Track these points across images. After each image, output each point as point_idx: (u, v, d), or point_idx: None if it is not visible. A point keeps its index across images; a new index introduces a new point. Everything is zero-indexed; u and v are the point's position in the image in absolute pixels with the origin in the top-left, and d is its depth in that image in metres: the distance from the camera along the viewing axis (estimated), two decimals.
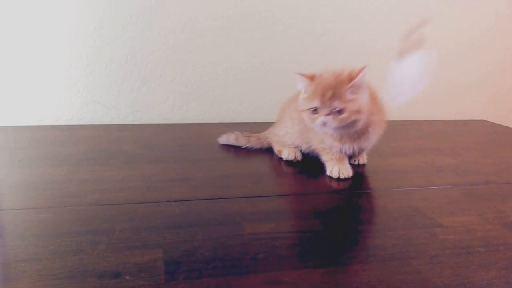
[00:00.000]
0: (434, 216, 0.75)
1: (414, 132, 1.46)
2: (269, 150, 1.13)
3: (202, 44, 1.40)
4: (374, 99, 0.92)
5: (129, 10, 1.33)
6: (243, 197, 0.81)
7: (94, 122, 1.39)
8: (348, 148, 0.93)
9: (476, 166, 1.07)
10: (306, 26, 1.46)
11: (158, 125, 1.42)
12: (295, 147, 1.06)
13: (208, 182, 0.91)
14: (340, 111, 0.84)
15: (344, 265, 0.59)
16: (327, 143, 0.95)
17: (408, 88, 0.83)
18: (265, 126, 1.18)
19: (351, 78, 0.85)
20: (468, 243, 0.66)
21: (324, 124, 0.85)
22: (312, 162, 1.02)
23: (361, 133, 0.91)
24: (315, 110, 0.87)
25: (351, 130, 0.89)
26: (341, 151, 0.95)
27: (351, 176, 0.94)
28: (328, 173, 0.95)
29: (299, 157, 1.05)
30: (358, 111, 0.85)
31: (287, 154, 1.05)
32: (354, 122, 0.86)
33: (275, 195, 0.85)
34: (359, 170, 1.00)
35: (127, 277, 0.54)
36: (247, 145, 1.14)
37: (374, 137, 0.95)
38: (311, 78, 0.88)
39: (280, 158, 1.07)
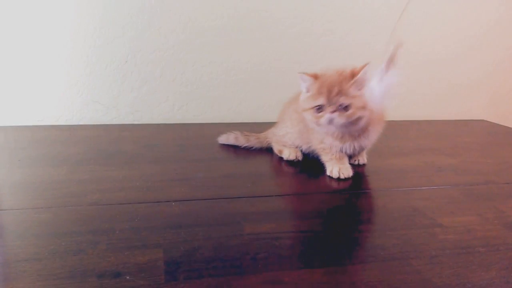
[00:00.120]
0: (434, 216, 0.75)
1: (414, 132, 1.46)
2: (269, 150, 1.13)
3: (202, 44, 1.40)
4: None
5: (129, 10, 1.33)
6: (243, 197, 0.81)
7: (94, 122, 1.39)
8: (348, 147, 0.93)
9: (476, 166, 1.07)
10: (306, 26, 1.46)
11: (158, 125, 1.42)
12: (296, 147, 1.07)
13: (208, 182, 0.91)
14: (346, 108, 0.85)
15: (344, 265, 0.59)
16: (327, 143, 0.95)
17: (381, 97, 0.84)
18: (265, 126, 1.18)
19: (353, 74, 0.86)
20: (468, 243, 0.66)
21: (331, 121, 0.85)
22: (312, 162, 1.02)
23: (362, 132, 0.92)
24: (319, 109, 0.87)
25: (355, 128, 0.90)
26: (341, 150, 0.95)
27: (351, 176, 0.94)
28: (328, 173, 0.95)
29: (300, 157, 1.05)
30: (363, 107, 0.86)
31: (288, 154, 1.05)
32: (358, 119, 0.87)
33: (275, 195, 0.85)
34: (359, 170, 1.00)
35: (127, 277, 0.54)
36: (246, 145, 1.14)
37: (374, 135, 0.95)
38: (315, 76, 0.89)
39: (281, 158, 1.07)
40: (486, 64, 1.68)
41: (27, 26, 1.28)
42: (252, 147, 1.14)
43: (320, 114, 0.87)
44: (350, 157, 1.01)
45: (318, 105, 0.87)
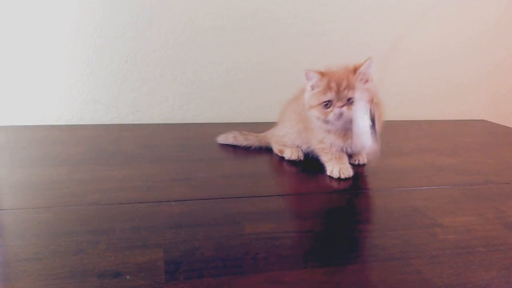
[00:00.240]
0: (434, 216, 0.75)
1: (414, 132, 1.46)
2: (268, 150, 1.13)
3: (203, 44, 1.40)
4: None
5: (129, 10, 1.33)
6: (244, 197, 0.81)
7: (95, 122, 1.39)
8: (351, 144, 0.94)
9: (476, 166, 1.07)
10: (306, 26, 1.47)
11: (159, 125, 1.42)
12: (297, 147, 1.07)
13: (209, 182, 0.91)
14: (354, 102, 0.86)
15: (344, 265, 0.59)
16: (327, 142, 0.95)
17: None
18: (265, 126, 1.18)
19: (356, 68, 0.87)
20: (468, 243, 0.66)
21: (340, 115, 0.86)
22: (312, 162, 1.02)
23: None
24: (327, 105, 0.87)
25: None
26: (342, 149, 0.95)
27: (352, 176, 0.94)
28: (328, 173, 0.95)
29: (301, 157, 1.05)
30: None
31: (290, 153, 1.05)
32: None
33: (276, 195, 0.85)
34: (359, 170, 1.00)
35: (128, 277, 0.54)
36: (245, 144, 1.14)
37: None
38: (321, 73, 0.89)
39: (281, 158, 1.07)
40: (486, 64, 1.68)
41: (27, 26, 1.28)
42: (251, 147, 1.14)
43: (329, 109, 0.87)
44: (350, 156, 1.01)
45: (327, 101, 0.87)
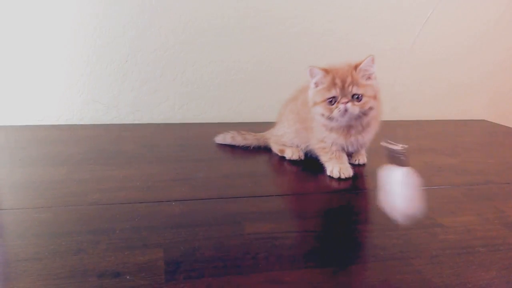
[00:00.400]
0: (434, 216, 0.75)
1: (414, 132, 1.46)
2: (268, 150, 1.13)
3: (203, 44, 1.40)
4: None
5: (129, 10, 1.33)
6: (244, 197, 0.81)
7: (95, 122, 1.39)
8: (352, 143, 0.94)
9: (476, 166, 1.07)
10: (306, 26, 1.46)
11: (159, 124, 1.42)
12: (296, 147, 1.07)
13: (209, 182, 0.91)
14: (358, 98, 0.87)
15: (344, 265, 0.59)
16: (328, 141, 0.95)
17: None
18: (265, 125, 1.18)
19: (357, 65, 0.88)
20: (468, 243, 0.66)
21: (346, 111, 0.87)
22: (312, 162, 1.02)
23: (366, 126, 0.93)
24: (331, 101, 0.88)
25: (365, 120, 0.91)
26: (343, 148, 0.95)
27: (352, 176, 0.94)
28: (328, 173, 0.95)
29: (302, 157, 1.06)
30: (374, 97, 0.88)
31: (291, 153, 1.05)
32: (370, 109, 0.89)
33: (276, 195, 0.85)
34: (359, 170, 1.00)
35: (128, 277, 0.54)
36: (244, 144, 1.14)
37: (374, 130, 0.96)
38: (326, 70, 0.90)
39: (281, 158, 1.07)
40: (486, 64, 1.68)
41: (27, 26, 1.28)
42: (249, 146, 1.14)
43: (333, 106, 0.88)
44: (350, 156, 1.01)
45: (331, 97, 0.88)
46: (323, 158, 0.98)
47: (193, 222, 0.70)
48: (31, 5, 1.27)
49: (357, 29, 1.51)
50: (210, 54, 1.42)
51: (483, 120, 1.69)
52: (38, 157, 1.02)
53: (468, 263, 0.60)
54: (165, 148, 1.15)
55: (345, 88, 0.87)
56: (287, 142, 1.07)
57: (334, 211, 0.80)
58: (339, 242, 0.66)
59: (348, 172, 0.94)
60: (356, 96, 0.87)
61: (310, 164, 1.02)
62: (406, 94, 1.62)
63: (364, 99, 0.87)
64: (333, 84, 0.87)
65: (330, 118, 0.89)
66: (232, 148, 1.15)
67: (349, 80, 0.86)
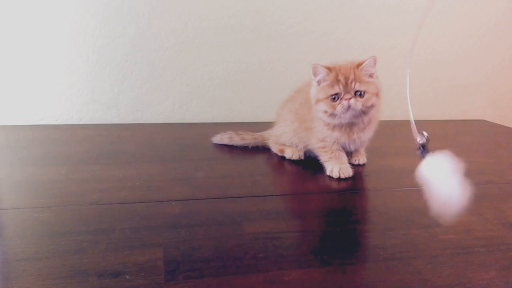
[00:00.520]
0: (434, 216, 0.75)
1: None
2: (267, 149, 1.13)
3: (203, 44, 1.40)
4: None
5: (129, 9, 1.33)
6: (244, 197, 0.81)
7: (95, 122, 1.39)
8: (355, 139, 0.95)
9: (476, 166, 1.07)
10: (306, 26, 1.46)
11: (159, 124, 1.42)
12: (296, 146, 1.07)
13: (209, 181, 0.91)
14: (361, 95, 0.88)
15: (344, 265, 0.59)
16: (330, 140, 0.95)
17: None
18: (265, 125, 1.18)
19: (360, 64, 0.89)
20: (468, 243, 0.66)
21: (349, 107, 0.87)
22: (312, 162, 1.02)
23: (368, 123, 0.94)
24: (334, 98, 0.89)
25: (367, 117, 0.92)
26: (344, 146, 0.96)
27: (351, 176, 0.94)
28: (328, 173, 0.95)
29: (302, 157, 1.06)
30: (377, 94, 0.90)
31: (291, 153, 1.05)
32: (372, 106, 0.90)
33: (276, 195, 0.85)
34: (359, 170, 1.00)
35: (127, 277, 0.54)
36: (241, 144, 1.14)
37: (374, 128, 0.97)
38: (329, 68, 0.91)
39: (280, 158, 1.07)
40: (486, 64, 1.68)
41: (27, 25, 1.28)
42: (248, 146, 1.14)
43: (336, 102, 0.89)
44: (350, 155, 1.01)
45: (335, 94, 0.89)
46: (323, 158, 0.98)
47: (193, 222, 0.70)
48: (31, 5, 1.27)
49: (357, 29, 1.51)
50: (210, 54, 1.42)
51: (483, 120, 1.69)
52: (38, 157, 1.02)
53: (468, 263, 0.60)
54: (165, 148, 1.15)
55: (348, 85, 0.88)
56: (286, 142, 1.07)
57: (334, 211, 0.80)
58: (338, 242, 0.66)
59: (347, 172, 0.94)
60: (359, 93, 0.88)
61: (310, 164, 1.02)
62: (406, 94, 1.62)
63: (366, 96, 0.88)
64: (336, 81, 0.88)
65: (333, 115, 0.90)
66: (231, 148, 1.15)
67: (351, 77, 0.88)
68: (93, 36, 1.33)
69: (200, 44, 1.40)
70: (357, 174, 0.97)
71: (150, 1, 1.33)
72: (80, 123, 1.38)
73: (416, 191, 0.88)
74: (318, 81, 0.92)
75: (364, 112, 0.90)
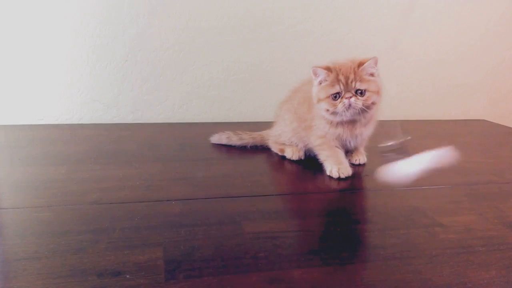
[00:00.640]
0: (434, 215, 0.75)
1: (414, 132, 1.46)
2: (267, 149, 1.13)
3: (203, 44, 1.40)
4: None
5: (129, 9, 1.33)
6: (244, 196, 0.81)
7: (95, 121, 1.39)
8: (357, 135, 0.96)
9: (476, 166, 1.07)
10: (306, 26, 1.46)
11: (159, 124, 1.42)
12: (296, 145, 1.07)
13: (209, 181, 0.91)
14: (361, 93, 0.89)
15: (344, 265, 0.59)
16: (330, 137, 0.96)
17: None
18: (266, 125, 1.18)
19: (361, 63, 0.90)
20: (468, 243, 0.66)
21: (349, 105, 0.88)
22: (312, 161, 1.02)
23: (369, 120, 0.95)
24: (335, 97, 0.90)
25: (368, 114, 0.93)
26: (344, 143, 0.97)
27: (351, 175, 0.94)
28: (328, 172, 0.95)
29: (302, 156, 1.06)
30: (377, 92, 0.90)
31: (291, 153, 1.05)
32: (373, 104, 0.90)
33: (275, 195, 0.85)
34: (358, 170, 1.00)
35: (127, 276, 0.54)
36: (240, 144, 1.14)
37: (374, 124, 0.98)
38: (328, 69, 0.92)
39: (280, 158, 1.07)
40: (486, 64, 1.68)
41: (27, 25, 1.28)
42: (246, 146, 1.14)
43: (337, 101, 0.90)
44: (349, 153, 1.02)
45: (335, 93, 0.90)
46: (322, 157, 0.98)
47: (193, 222, 0.70)
48: (31, 4, 1.27)
49: (357, 29, 1.51)
50: (210, 54, 1.42)
51: (483, 120, 1.69)
52: (38, 157, 1.02)
53: (468, 262, 0.60)
54: (164, 148, 1.15)
55: (348, 84, 0.89)
56: (286, 141, 1.08)
57: (333, 210, 0.80)
58: (338, 241, 0.66)
59: (347, 171, 0.94)
60: (360, 91, 0.89)
61: (310, 163, 1.02)
62: (406, 94, 1.62)
63: (367, 94, 0.89)
64: (337, 80, 0.89)
65: (334, 113, 0.91)
66: (231, 147, 1.15)
67: (352, 76, 0.89)
68: (93, 36, 1.33)
69: (200, 44, 1.40)
70: (357, 174, 0.97)
71: (150, 1, 1.33)
72: (80, 122, 1.38)
73: (416, 191, 0.88)
74: (319, 82, 0.93)
75: (365, 110, 0.90)
